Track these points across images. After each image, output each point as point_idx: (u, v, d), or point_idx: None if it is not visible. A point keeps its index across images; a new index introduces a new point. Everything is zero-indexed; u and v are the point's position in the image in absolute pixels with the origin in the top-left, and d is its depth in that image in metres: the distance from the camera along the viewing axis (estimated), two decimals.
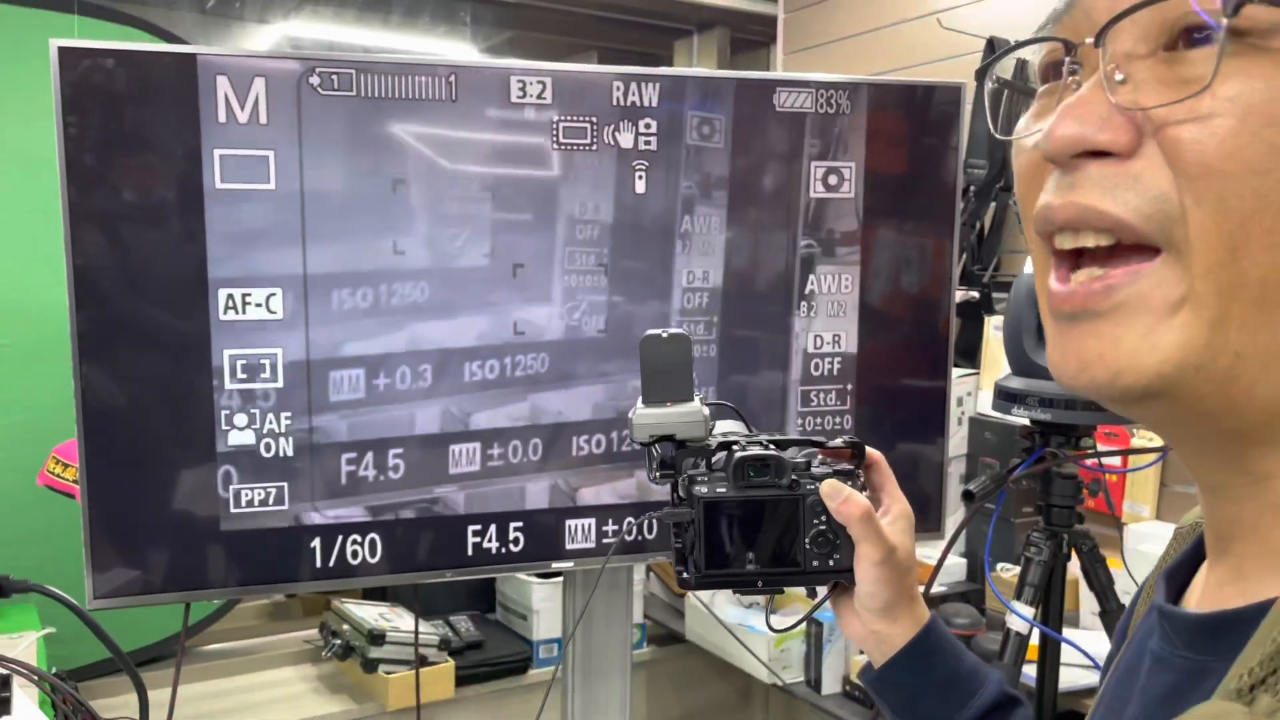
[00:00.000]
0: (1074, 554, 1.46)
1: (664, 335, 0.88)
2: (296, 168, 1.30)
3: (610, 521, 1.45)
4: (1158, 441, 1.63)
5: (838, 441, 0.81)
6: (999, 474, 1.19)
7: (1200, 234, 0.39)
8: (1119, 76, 0.41)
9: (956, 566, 2.12)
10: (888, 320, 1.55)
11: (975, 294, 2.19)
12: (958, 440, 2.14)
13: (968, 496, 1.15)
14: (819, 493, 0.77)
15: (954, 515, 1.79)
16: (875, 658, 0.78)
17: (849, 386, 1.55)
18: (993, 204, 2.22)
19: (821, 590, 0.81)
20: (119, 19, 2.09)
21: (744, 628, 2.15)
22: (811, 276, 1.50)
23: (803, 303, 1.50)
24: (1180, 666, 0.46)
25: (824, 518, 0.77)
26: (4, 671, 0.92)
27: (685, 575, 0.80)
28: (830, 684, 2.07)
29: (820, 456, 0.81)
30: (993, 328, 2.20)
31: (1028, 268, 1.60)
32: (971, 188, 2.13)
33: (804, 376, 1.52)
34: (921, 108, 1.52)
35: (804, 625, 2.11)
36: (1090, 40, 0.42)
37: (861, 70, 2.56)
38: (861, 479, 0.80)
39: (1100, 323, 0.42)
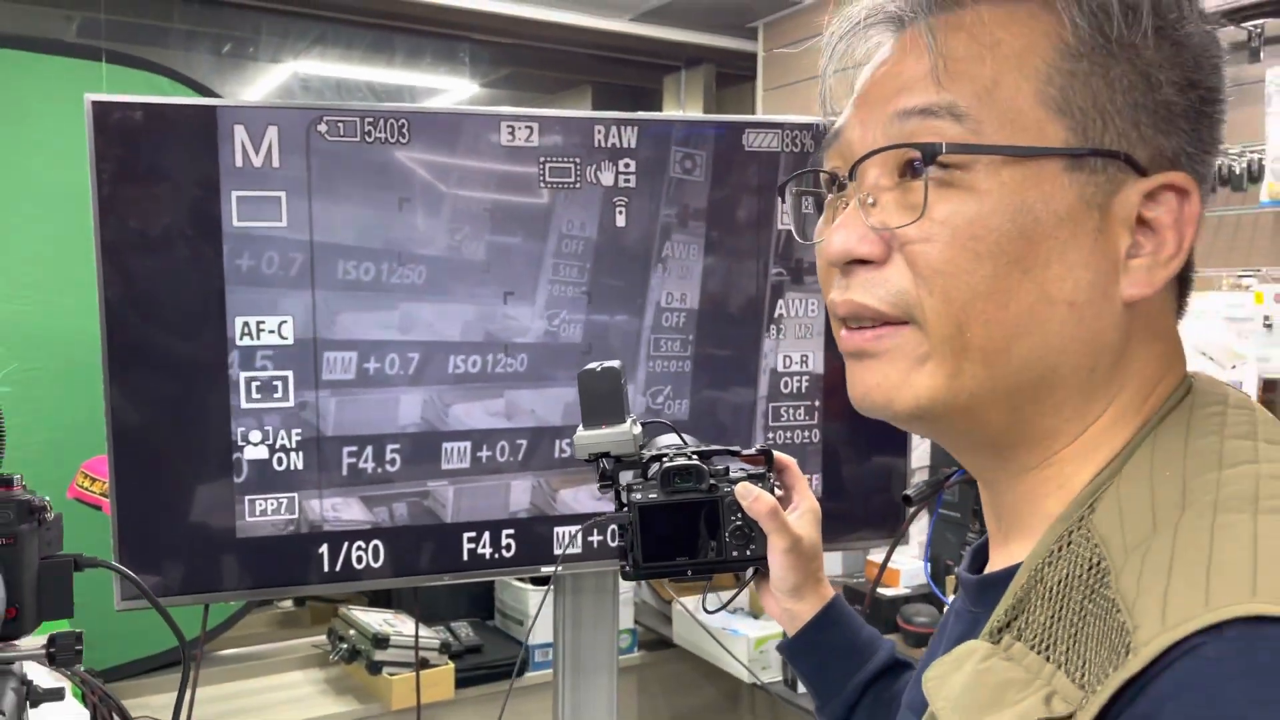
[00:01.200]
0: None
1: (598, 368, 1.02)
2: (306, 207, 1.41)
3: (595, 531, 1.53)
4: None
5: (751, 450, 0.95)
6: (936, 480, 1.31)
7: (934, 315, 0.53)
8: (870, 200, 0.55)
9: (922, 569, 2.24)
10: None
11: None
12: (920, 452, 2.25)
13: (906, 500, 1.27)
14: (735, 494, 0.91)
15: (917, 523, 1.90)
16: (788, 630, 0.92)
17: (816, 403, 1.65)
18: None
19: (743, 576, 0.95)
20: (142, 66, 2.20)
21: (726, 631, 2.27)
22: (781, 301, 1.61)
23: (772, 325, 1.61)
24: (968, 618, 0.59)
25: (740, 515, 0.91)
26: (79, 630, 1.06)
27: (627, 568, 0.94)
28: None
29: (739, 463, 0.95)
30: None
31: None
32: None
33: (772, 393, 1.61)
34: None
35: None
36: (846, 175, 0.56)
37: None
38: (774, 480, 0.94)
39: (874, 362, 0.56)
